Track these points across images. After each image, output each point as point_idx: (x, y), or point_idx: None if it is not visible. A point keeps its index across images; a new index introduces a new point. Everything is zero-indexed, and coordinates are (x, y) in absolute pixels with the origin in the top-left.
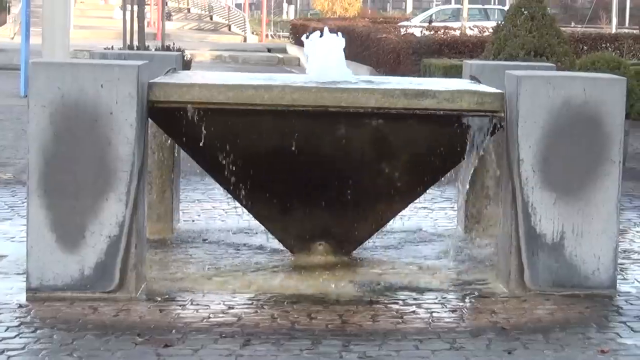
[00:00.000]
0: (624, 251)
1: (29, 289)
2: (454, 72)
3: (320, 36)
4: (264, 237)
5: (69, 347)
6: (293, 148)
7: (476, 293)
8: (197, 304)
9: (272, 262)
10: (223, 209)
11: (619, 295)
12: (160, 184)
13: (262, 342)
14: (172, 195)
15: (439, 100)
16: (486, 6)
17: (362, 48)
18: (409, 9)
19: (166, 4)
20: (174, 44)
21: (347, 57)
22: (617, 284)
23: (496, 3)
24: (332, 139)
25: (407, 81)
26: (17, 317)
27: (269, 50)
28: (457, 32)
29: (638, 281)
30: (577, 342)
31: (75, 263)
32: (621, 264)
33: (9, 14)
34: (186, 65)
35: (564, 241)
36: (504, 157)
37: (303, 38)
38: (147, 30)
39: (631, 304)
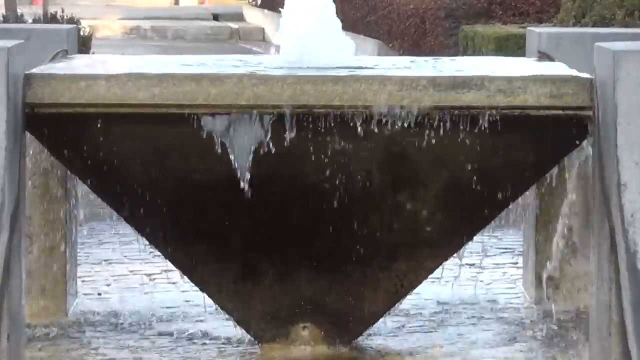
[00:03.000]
0: None
1: None
2: (513, 45)
3: None
4: (214, 319)
5: None
6: (258, 174)
7: None
8: None
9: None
10: (147, 274)
11: None
12: (45, 237)
13: None
14: (65, 254)
15: (490, 93)
16: None
17: (364, 11)
18: None
19: None
20: (63, 11)
21: (343, 27)
22: None
23: None
24: (321, 159)
25: (437, 63)
26: None
27: (216, 18)
28: None
29: None
30: None
31: None
32: None
33: None
34: (84, 44)
35: None
36: (596, 182)
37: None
38: None
39: None
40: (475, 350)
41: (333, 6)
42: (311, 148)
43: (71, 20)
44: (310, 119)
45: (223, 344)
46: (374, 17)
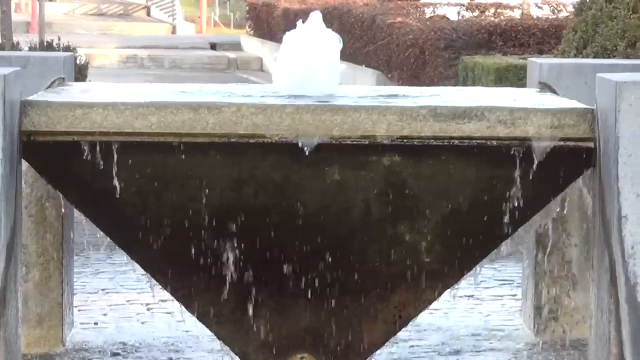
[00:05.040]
0: None
1: None
2: (513, 76)
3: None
4: (211, 349)
5: None
6: (256, 204)
7: None
8: None
9: None
10: (144, 304)
11: None
12: (42, 266)
13: None
14: (61, 282)
15: (491, 124)
16: None
17: (363, 41)
18: None
19: None
20: (59, 39)
21: (342, 57)
22: None
23: None
24: (319, 190)
25: (437, 93)
26: None
27: (214, 47)
28: (517, 13)
29: None
30: None
31: None
32: None
33: None
34: (80, 72)
35: None
36: (596, 214)
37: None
38: (15, 17)
39: None
40: None
41: (335, 37)
42: (310, 178)
43: (67, 48)
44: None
45: None
46: (373, 47)
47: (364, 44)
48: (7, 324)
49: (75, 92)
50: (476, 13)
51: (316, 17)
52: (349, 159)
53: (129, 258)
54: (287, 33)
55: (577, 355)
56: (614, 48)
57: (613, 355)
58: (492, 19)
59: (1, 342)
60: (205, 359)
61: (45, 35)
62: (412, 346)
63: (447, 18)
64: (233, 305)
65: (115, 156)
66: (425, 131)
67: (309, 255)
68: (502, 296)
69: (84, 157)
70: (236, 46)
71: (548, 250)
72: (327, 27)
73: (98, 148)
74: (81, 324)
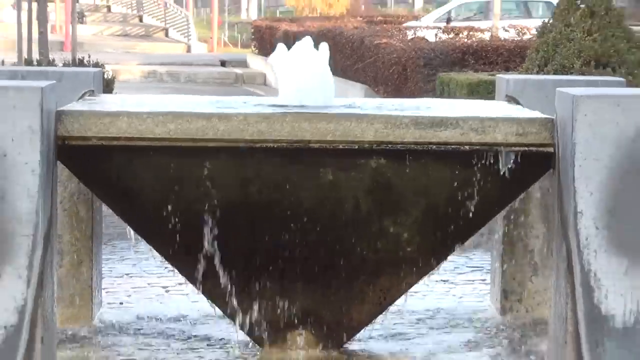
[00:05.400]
0: None
1: None
2: (484, 90)
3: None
4: (221, 326)
5: None
6: (260, 200)
7: None
8: None
9: None
10: (163, 287)
11: None
12: (74, 253)
13: None
14: (91, 268)
15: (464, 131)
16: None
17: (353, 59)
18: (419, 3)
19: (77, 1)
20: (89, 57)
21: (333, 73)
22: None
23: None
24: (315, 188)
25: (418, 104)
26: None
27: (223, 64)
28: (487, 35)
29: None
30: None
31: None
32: None
33: None
34: (107, 85)
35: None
36: (556, 210)
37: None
38: (51, 37)
39: None
40: (448, 354)
41: (327, 55)
42: (307, 177)
43: (96, 65)
44: (306, 153)
45: (229, 346)
46: (362, 65)
47: (353, 61)
48: (44, 303)
49: (103, 102)
50: (451, 35)
51: (307, 41)
52: (341, 161)
53: (150, 247)
54: (272, 55)
55: (538, 332)
56: (571, 66)
57: (569, 333)
58: (465, 40)
59: (40, 319)
60: (216, 334)
61: (77, 53)
62: (395, 323)
63: (426, 39)
64: (240, 288)
65: (138, 158)
66: (407, 137)
67: (306, 245)
68: (473, 281)
69: (111, 159)
70: (243, 63)
71: (513, 241)
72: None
73: (123, 151)
74: (108, 303)
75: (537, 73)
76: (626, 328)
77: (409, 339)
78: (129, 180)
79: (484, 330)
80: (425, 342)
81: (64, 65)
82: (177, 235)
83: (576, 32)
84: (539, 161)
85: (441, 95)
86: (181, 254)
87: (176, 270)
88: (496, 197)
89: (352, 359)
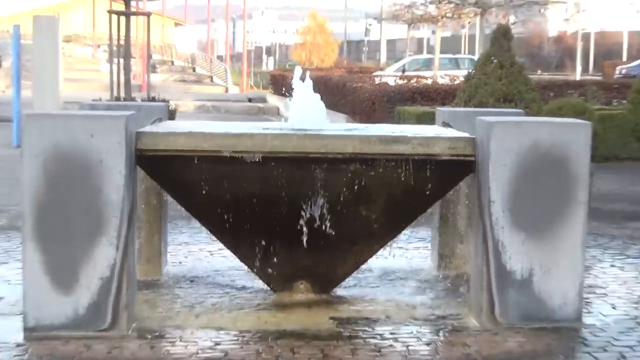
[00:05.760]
0: (589, 286)
1: (26, 329)
2: (427, 119)
3: (302, 79)
4: (248, 278)
5: None
6: (275, 192)
7: (450, 327)
8: (186, 341)
9: (256, 301)
10: (209, 251)
11: (584, 328)
12: (148, 228)
13: None
14: (160, 238)
15: (414, 146)
16: (457, 55)
17: (338, 97)
18: (383, 59)
19: (151, 57)
20: (159, 95)
21: (325, 106)
22: (583, 317)
23: (466, 53)
24: (312, 184)
25: (382, 128)
26: (15, 356)
27: (250, 100)
28: (429, 81)
29: (602, 314)
30: None
31: (69, 304)
32: (586, 299)
33: (0, 67)
34: (171, 115)
35: (532, 277)
36: (476, 199)
37: (293, 80)
38: (133, 82)
39: (596, 336)
40: (402, 297)
41: (310, 82)
42: (307, 176)
43: (164, 100)
44: (307, 160)
45: (253, 291)
46: (344, 101)
47: (339, 98)
48: (128, 262)
49: (168, 126)
50: (405, 81)
51: (308, 83)
52: (330, 166)
53: (201, 225)
54: (294, 75)
55: (463, 283)
56: (487, 102)
57: (485, 283)
58: (415, 84)
59: (125, 273)
60: (245, 284)
61: (151, 93)
62: (365, 277)
63: (388, 84)
64: (262, 253)
65: (192, 164)
66: (375, 150)
67: (306, 223)
68: (419, 248)
69: (173, 164)
70: (263, 100)
71: (447, 220)
72: (317, 88)
73: (182, 160)
74: (171, 263)
75: (464, 107)
76: (523, 280)
77: (375, 287)
78: (185, 178)
79: (426, 281)
80: (387, 288)
81: (142, 101)
82: (218, 216)
83: (490, 79)
84: (464, 166)
85: (398, 122)
86: (221, 229)
87: (218, 240)
88: (435, 191)
89: (337, 299)
